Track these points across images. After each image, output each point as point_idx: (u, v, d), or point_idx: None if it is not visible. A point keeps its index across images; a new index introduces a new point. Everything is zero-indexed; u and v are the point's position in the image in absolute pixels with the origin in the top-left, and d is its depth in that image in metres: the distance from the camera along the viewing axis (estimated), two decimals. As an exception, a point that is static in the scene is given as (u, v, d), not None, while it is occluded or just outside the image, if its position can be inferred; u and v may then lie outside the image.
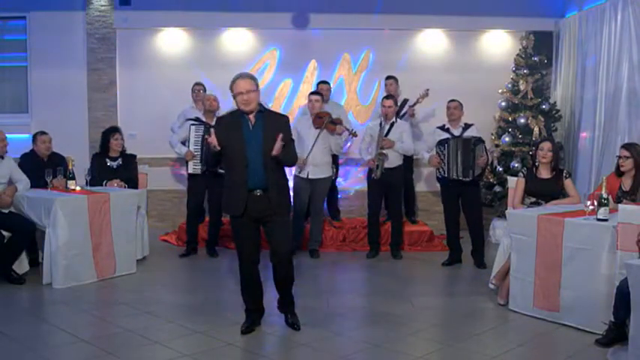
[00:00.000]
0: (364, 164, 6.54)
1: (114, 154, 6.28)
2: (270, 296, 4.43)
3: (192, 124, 6.38)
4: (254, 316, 4.29)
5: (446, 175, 6.04)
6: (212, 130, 4.02)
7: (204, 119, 6.43)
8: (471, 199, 6.16)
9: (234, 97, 4.01)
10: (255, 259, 4.18)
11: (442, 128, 6.24)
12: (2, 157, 5.52)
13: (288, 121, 4.25)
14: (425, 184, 8.06)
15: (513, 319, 4.56)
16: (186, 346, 3.92)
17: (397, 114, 7.18)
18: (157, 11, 7.83)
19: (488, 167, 6.62)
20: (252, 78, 4.05)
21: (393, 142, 6.28)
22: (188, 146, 6.39)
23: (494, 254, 5.27)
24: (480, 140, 6.02)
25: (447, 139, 6.07)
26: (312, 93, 6.57)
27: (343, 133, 6.56)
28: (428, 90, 7.17)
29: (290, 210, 4.48)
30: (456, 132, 6.14)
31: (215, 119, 6.26)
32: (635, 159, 4.81)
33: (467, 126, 6.19)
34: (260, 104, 4.12)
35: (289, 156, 4.12)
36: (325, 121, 6.33)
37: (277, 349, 4.05)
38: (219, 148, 3.94)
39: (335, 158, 7.15)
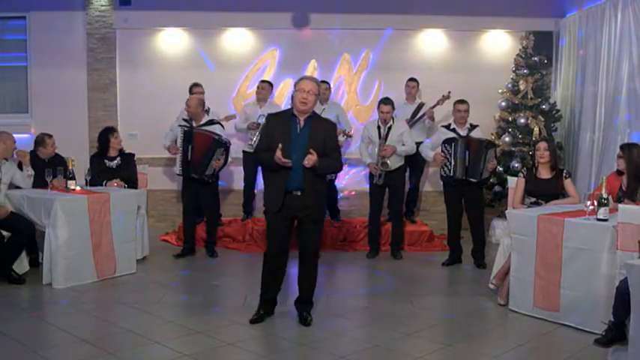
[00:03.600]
0: (368, 166, 6.49)
1: (113, 154, 6.29)
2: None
3: (180, 125, 6.38)
4: (266, 307, 4.42)
5: (451, 175, 6.02)
6: (279, 145, 4.07)
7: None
8: (474, 199, 6.15)
9: (295, 93, 4.17)
10: (284, 252, 4.33)
11: (448, 127, 6.22)
12: (7, 160, 5.57)
13: (335, 128, 4.42)
14: (425, 184, 8.06)
15: (513, 319, 4.56)
16: (186, 346, 3.92)
17: (413, 117, 7.21)
18: (157, 11, 7.83)
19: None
20: (318, 84, 4.26)
21: (394, 147, 6.27)
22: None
23: (494, 254, 5.27)
24: (492, 144, 5.98)
25: (454, 138, 6.04)
26: None
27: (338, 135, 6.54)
28: (449, 92, 7.16)
29: (324, 215, 4.56)
30: (463, 132, 6.11)
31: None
32: (626, 159, 4.83)
33: (472, 127, 6.18)
34: (313, 111, 4.26)
35: (327, 167, 4.26)
36: None
37: (277, 349, 4.05)
38: (290, 163, 4.07)
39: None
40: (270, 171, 4.24)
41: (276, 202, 4.18)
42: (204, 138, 6.18)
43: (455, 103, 6.23)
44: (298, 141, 4.15)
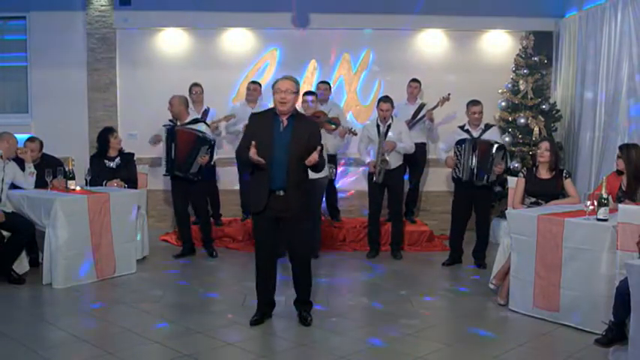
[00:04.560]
0: (368, 165, 6.49)
1: (113, 154, 6.29)
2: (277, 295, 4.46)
3: (164, 125, 6.37)
4: (265, 309, 4.40)
5: (460, 176, 6.01)
6: (253, 142, 4.07)
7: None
8: (483, 202, 6.13)
9: (273, 94, 4.18)
10: (271, 255, 4.34)
11: (462, 128, 6.19)
12: (9, 160, 5.57)
13: (318, 127, 4.42)
14: (425, 184, 8.05)
15: (513, 319, 4.56)
16: (186, 346, 3.92)
17: (414, 117, 7.21)
18: (157, 11, 7.83)
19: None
20: (295, 82, 4.23)
21: (395, 143, 6.27)
22: None
23: (495, 254, 5.27)
24: (501, 147, 5.94)
25: (465, 139, 6.02)
26: (305, 93, 6.51)
27: (345, 134, 6.58)
28: (449, 94, 7.15)
29: (309, 214, 4.54)
30: (475, 133, 6.07)
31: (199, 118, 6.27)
32: (625, 159, 4.83)
33: (487, 127, 6.13)
34: (295, 109, 4.25)
35: (319, 166, 4.22)
36: (322, 121, 6.31)
37: (277, 349, 4.05)
38: (264, 162, 4.06)
39: (334, 158, 7.15)
40: (252, 171, 4.23)
41: (259, 203, 4.17)
42: (188, 136, 6.16)
43: (468, 105, 6.15)
44: (280, 140, 4.14)
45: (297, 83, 4.23)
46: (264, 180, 4.14)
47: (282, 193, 4.14)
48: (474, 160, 5.92)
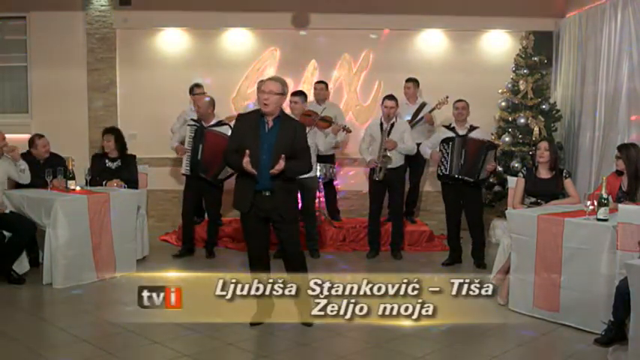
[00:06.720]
0: (368, 164, 6.48)
1: (113, 155, 6.28)
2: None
3: (189, 124, 6.35)
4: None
5: (447, 173, 6.02)
6: (247, 151, 4.05)
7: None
8: (472, 200, 6.14)
9: (258, 95, 4.21)
10: (262, 254, 4.34)
11: (448, 127, 6.22)
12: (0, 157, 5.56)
13: (304, 128, 4.40)
14: (425, 184, 8.05)
15: (513, 319, 4.56)
16: (186, 346, 3.92)
17: (414, 117, 7.20)
18: (157, 11, 7.83)
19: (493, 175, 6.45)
20: (282, 83, 4.18)
21: (396, 143, 6.27)
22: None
23: (494, 254, 5.26)
24: (493, 146, 5.96)
25: (452, 137, 6.05)
26: (293, 93, 6.41)
27: (338, 132, 6.56)
28: (447, 97, 7.15)
29: (297, 214, 4.57)
30: (462, 131, 6.11)
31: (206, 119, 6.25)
32: (624, 160, 4.83)
33: (472, 128, 6.15)
34: (281, 110, 4.22)
35: (295, 169, 4.21)
36: (315, 119, 6.29)
37: (277, 349, 4.05)
38: (255, 172, 4.05)
39: (332, 158, 7.14)
40: (240, 174, 4.25)
41: (245, 203, 4.18)
42: (222, 140, 5.99)
43: (454, 102, 6.25)
44: (266, 141, 4.14)
45: (283, 85, 4.18)
46: (250, 180, 4.14)
47: (268, 193, 4.15)
48: (462, 158, 5.94)
